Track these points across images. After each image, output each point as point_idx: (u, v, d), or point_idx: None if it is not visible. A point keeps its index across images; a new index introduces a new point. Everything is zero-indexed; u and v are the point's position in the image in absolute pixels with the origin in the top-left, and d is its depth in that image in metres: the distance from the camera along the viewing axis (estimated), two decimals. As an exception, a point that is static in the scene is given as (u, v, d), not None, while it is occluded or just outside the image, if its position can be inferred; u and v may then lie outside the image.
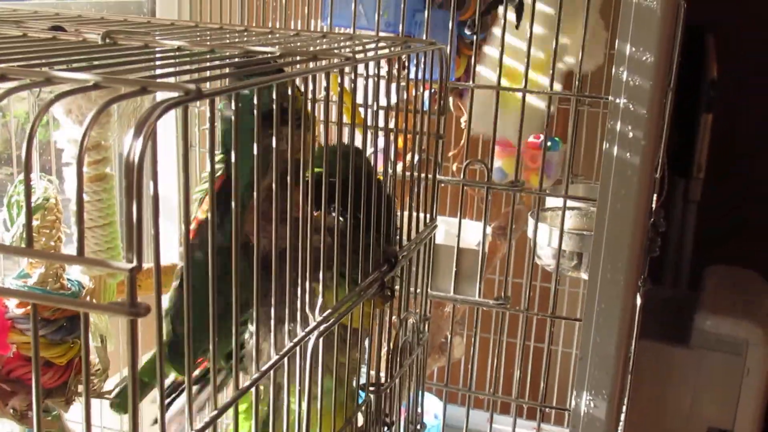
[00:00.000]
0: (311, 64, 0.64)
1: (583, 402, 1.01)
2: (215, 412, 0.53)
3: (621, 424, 1.10)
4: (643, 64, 0.93)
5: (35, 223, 0.77)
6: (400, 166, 0.88)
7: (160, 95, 0.46)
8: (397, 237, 0.86)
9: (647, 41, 0.93)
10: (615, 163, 0.96)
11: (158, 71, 0.54)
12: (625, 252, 0.97)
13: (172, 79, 0.49)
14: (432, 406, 1.91)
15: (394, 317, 0.89)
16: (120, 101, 0.45)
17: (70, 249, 0.88)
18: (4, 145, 1.20)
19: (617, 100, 0.95)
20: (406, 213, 0.88)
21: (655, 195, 1.14)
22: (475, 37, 1.11)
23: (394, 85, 0.82)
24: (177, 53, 0.64)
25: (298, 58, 0.63)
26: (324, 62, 0.63)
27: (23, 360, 0.80)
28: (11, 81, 0.48)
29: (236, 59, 0.61)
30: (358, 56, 0.68)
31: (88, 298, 0.82)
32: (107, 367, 0.85)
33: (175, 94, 0.45)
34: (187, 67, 0.56)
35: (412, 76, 0.89)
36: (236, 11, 1.23)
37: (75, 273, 0.85)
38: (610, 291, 0.97)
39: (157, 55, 0.64)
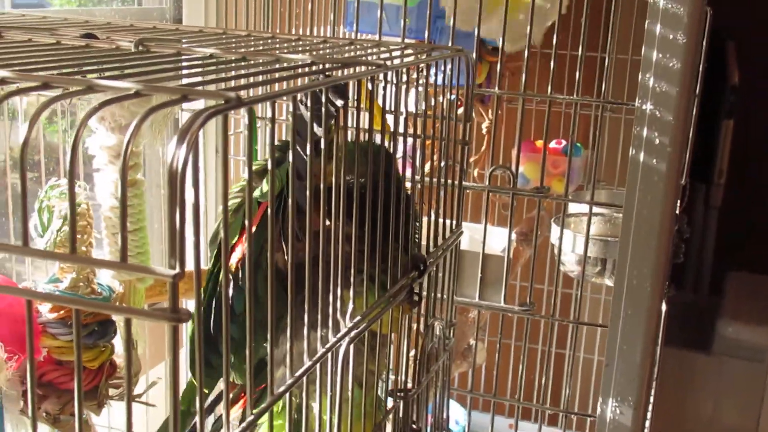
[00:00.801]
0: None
1: (609, 409, 1.01)
2: (251, 417, 0.53)
3: (646, 431, 1.10)
4: (670, 70, 0.93)
5: (66, 228, 0.78)
6: (426, 170, 0.88)
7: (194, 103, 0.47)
8: (423, 243, 0.87)
9: (674, 47, 0.93)
10: (641, 169, 0.96)
11: (195, 79, 0.55)
12: (651, 258, 0.97)
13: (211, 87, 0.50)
14: (453, 412, 1.91)
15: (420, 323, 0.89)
16: (160, 110, 0.46)
17: (99, 254, 0.89)
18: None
19: (644, 106, 0.95)
20: (432, 219, 0.88)
21: (678, 201, 1.14)
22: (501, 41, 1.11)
23: (421, 92, 0.83)
24: (210, 61, 0.65)
25: (329, 65, 0.64)
26: (357, 69, 0.63)
27: (54, 364, 0.81)
28: (53, 89, 0.49)
29: (270, 66, 0.62)
30: (388, 63, 0.68)
31: (118, 303, 0.82)
32: (139, 371, 0.85)
33: (214, 102, 0.46)
34: (224, 74, 0.57)
35: (438, 82, 0.89)
36: (261, 18, 1.24)
37: (105, 277, 0.86)
38: (636, 297, 0.97)
39: (191, 63, 0.64)
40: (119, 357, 0.83)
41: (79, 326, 0.44)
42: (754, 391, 2.01)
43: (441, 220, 0.89)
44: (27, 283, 0.92)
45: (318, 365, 0.63)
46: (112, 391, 0.81)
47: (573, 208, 1.45)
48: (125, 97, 0.47)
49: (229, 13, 1.37)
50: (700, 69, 1.12)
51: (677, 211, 1.13)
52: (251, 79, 0.57)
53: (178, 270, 0.42)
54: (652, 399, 1.11)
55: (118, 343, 0.83)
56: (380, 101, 0.89)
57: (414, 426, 0.88)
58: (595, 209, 1.15)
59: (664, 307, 1.05)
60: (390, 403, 0.84)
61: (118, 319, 0.80)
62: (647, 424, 1.09)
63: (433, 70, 0.90)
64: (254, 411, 0.53)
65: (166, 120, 0.81)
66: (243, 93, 0.50)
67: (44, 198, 0.85)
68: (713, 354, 2.05)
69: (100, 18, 1.03)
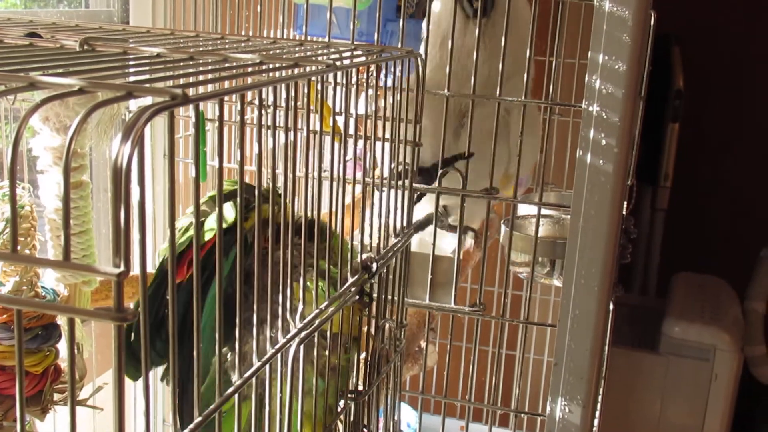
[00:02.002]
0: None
1: (558, 408, 1.02)
2: (199, 419, 0.53)
3: (595, 430, 1.11)
4: (616, 72, 0.95)
5: (9, 230, 0.76)
6: (377, 173, 0.88)
7: (138, 101, 0.46)
8: (374, 244, 0.87)
9: (619, 50, 0.94)
10: (588, 170, 0.97)
11: (141, 77, 0.54)
12: (599, 257, 0.98)
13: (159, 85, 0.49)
14: (405, 415, 1.91)
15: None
16: (104, 106, 0.45)
17: (44, 257, 0.87)
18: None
19: (590, 108, 0.96)
20: (383, 221, 0.88)
21: (624, 202, 1.15)
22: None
23: (371, 93, 0.83)
24: (157, 60, 0.64)
25: (279, 64, 0.64)
26: (307, 69, 0.63)
27: (-3, 370, 0.79)
28: (-7, 86, 0.48)
29: (218, 65, 0.61)
30: (338, 63, 0.68)
31: (63, 307, 0.81)
32: (84, 375, 0.84)
33: (160, 99, 0.45)
34: (172, 73, 0.56)
35: (388, 83, 0.89)
36: (210, 20, 1.23)
37: (49, 281, 0.84)
38: (584, 296, 0.98)
39: (137, 62, 0.63)
40: (64, 361, 0.82)
41: (21, 328, 0.43)
42: (700, 390, 2.05)
43: (392, 222, 0.90)
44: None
45: (268, 365, 0.63)
46: (57, 397, 0.79)
47: (522, 210, 1.46)
48: (68, 93, 0.46)
49: (178, 15, 1.35)
50: (646, 71, 1.14)
51: (624, 212, 1.15)
52: (200, 78, 0.56)
53: (122, 268, 0.41)
54: (600, 398, 1.12)
55: (62, 347, 0.81)
56: (330, 103, 0.89)
57: (365, 429, 0.87)
58: (544, 211, 1.17)
59: (611, 306, 1.06)
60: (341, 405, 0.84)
61: (63, 323, 0.79)
62: (596, 422, 1.10)
63: (383, 72, 0.90)
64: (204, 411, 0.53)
65: (113, 121, 0.80)
66: (190, 91, 0.49)
67: (-13, 201, 0.83)
68: (660, 353, 2.09)
69: (45, 18, 1.01)
